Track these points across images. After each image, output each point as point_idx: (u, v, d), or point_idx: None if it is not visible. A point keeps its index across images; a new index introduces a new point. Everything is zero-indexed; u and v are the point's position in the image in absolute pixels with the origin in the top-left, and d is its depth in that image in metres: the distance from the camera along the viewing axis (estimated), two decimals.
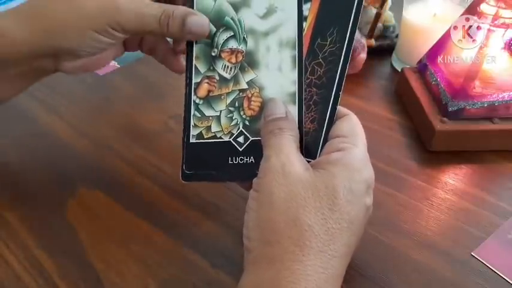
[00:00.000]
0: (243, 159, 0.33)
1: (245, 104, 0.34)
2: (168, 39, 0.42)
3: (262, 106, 0.33)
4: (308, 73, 0.33)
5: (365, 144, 0.32)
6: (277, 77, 0.33)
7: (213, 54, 0.34)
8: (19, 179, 0.45)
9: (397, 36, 0.62)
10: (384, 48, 0.62)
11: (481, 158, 0.45)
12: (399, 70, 0.56)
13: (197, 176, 0.34)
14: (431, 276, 0.35)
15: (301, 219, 0.27)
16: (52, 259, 0.37)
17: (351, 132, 0.31)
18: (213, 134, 0.34)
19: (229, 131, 0.34)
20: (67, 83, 0.59)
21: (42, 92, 0.57)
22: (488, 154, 0.46)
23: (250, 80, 0.34)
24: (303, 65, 0.33)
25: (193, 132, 0.34)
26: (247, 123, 0.33)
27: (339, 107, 0.33)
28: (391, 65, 0.61)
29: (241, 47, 0.34)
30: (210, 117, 0.34)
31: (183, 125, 0.35)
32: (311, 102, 0.33)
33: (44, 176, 0.46)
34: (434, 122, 0.45)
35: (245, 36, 0.34)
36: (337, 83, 0.32)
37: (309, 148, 0.32)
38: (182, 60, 0.41)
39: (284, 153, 0.30)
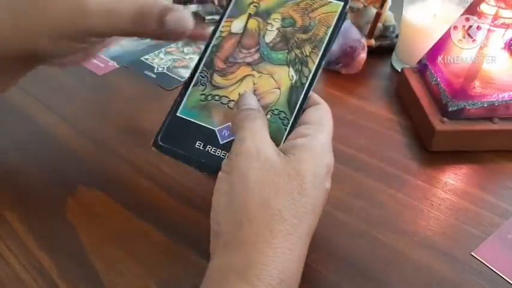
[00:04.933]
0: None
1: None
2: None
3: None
4: None
5: (329, 133, 0.32)
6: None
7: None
8: (19, 179, 0.45)
9: (397, 36, 0.62)
10: (384, 48, 0.62)
11: (481, 158, 0.45)
12: (399, 70, 0.56)
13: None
14: (431, 276, 0.35)
15: (271, 203, 0.28)
16: (52, 259, 0.37)
17: (318, 121, 0.32)
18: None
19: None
20: (67, 83, 0.59)
21: (42, 92, 0.57)
22: (488, 154, 0.46)
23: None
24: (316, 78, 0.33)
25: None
26: None
27: (313, 95, 0.33)
28: (391, 65, 0.61)
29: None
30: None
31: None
32: None
33: (44, 176, 0.46)
34: (434, 122, 0.45)
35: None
36: (310, 80, 0.33)
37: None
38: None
39: (258, 137, 0.30)
